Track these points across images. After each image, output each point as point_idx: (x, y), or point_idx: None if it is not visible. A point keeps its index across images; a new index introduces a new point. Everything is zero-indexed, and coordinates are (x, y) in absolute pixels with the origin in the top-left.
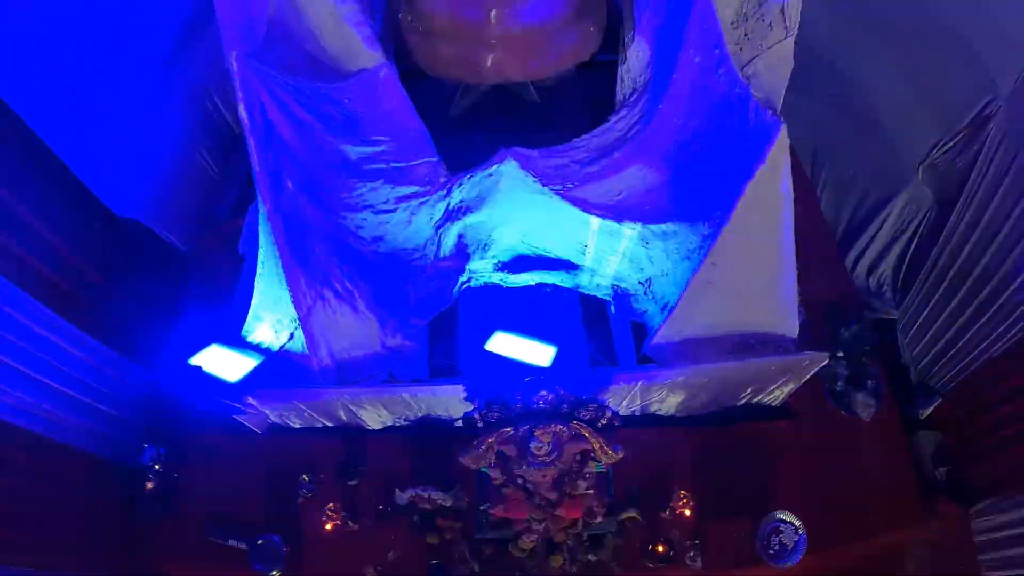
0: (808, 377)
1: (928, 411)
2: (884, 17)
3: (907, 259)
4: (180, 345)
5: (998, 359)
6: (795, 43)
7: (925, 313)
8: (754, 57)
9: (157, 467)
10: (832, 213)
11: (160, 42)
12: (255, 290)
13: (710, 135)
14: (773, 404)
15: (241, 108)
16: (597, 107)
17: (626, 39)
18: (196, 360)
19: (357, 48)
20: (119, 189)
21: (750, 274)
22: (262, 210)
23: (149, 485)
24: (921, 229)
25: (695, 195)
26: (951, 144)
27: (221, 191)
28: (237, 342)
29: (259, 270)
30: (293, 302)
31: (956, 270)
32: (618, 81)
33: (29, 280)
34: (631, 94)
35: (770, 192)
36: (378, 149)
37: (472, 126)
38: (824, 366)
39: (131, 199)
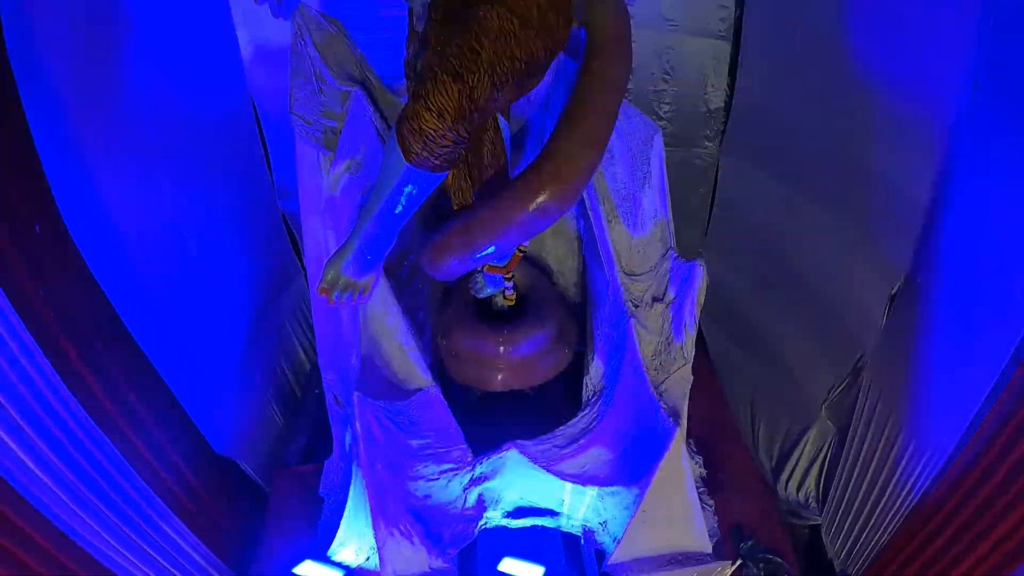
0: None
1: None
2: (772, 285)
3: (823, 477)
4: (270, 557)
5: (887, 545)
6: (718, 299)
7: (838, 516)
8: (665, 379)
9: None
10: (767, 446)
11: (247, 318)
12: (342, 525)
13: (637, 429)
14: None
15: (357, 424)
16: (569, 384)
17: (588, 357)
18: (298, 570)
19: (416, 374)
20: (218, 432)
21: (669, 515)
22: (359, 480)
23: None
24: (830, 453)
25: (630, 468)
26: (839, 389)
27: (287, 441)
28: (324, 558)
29: (347, 513)
30: (375, 539)
31: (853, 483)
32: (583, 386)
33: (160, 488)
34: (592, 396)
35: (675, 466)
36: (428, 441)
37: (487, 410)
38: (744, 568)
39: (225, 440)
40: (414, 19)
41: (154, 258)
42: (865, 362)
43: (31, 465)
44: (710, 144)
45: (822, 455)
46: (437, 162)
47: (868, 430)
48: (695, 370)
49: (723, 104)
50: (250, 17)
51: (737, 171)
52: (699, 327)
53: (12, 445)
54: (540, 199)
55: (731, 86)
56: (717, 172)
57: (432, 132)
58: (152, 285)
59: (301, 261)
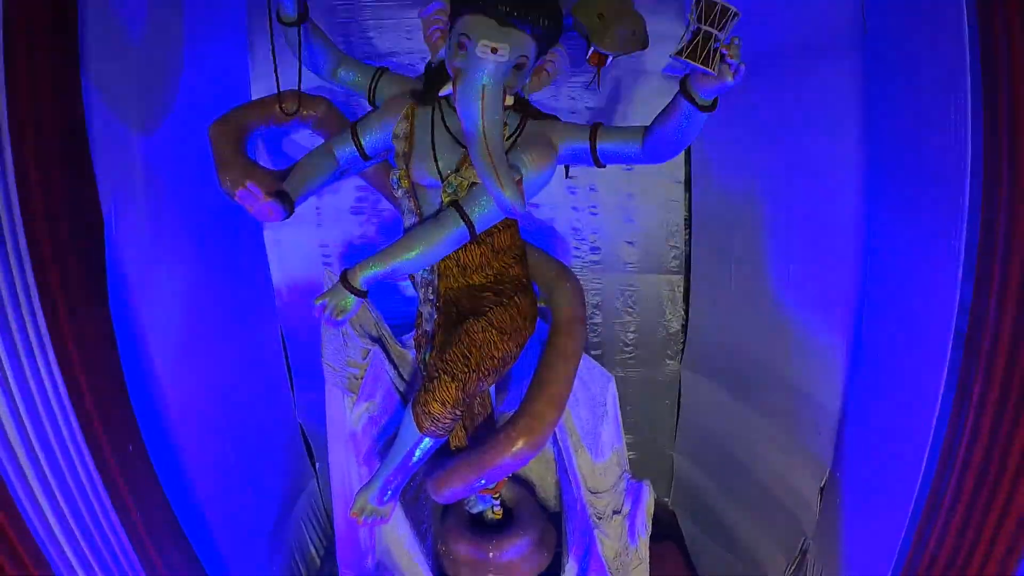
0: None
1: None
2: (733, 480)
3: None
4: None
5: None
6: (690, 494)
7: None
8: None
9: None
10: None
11: (270, 520)
12: None
13: None
14: None
15: None
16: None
17: (564, 558)
18: None
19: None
20: None
21: None
22: None
23: None
24: None
25: None
26: (791, 569)
27: None
28: None
29: None
30: None
31: None
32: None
33: None
34: None
35: None
36: None
37: None
38: None
39: None
40: (422, 320)
41: (202, 472)
42: (809, 544)
43: None
44: (671, 362)
45: None
46: (441, 433)
47: None
48: (670, 563)
49: (680, 327)
50: (284, 259)
51: (696, 384)
52: (675, 521)
53: None
54: (516, 448)
55: (686, 311)
56: (680, 385)
57: (437, 414)
58: (201, 493)
59: (314, 468)
